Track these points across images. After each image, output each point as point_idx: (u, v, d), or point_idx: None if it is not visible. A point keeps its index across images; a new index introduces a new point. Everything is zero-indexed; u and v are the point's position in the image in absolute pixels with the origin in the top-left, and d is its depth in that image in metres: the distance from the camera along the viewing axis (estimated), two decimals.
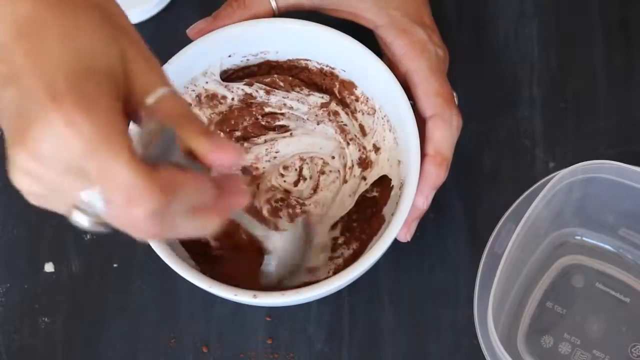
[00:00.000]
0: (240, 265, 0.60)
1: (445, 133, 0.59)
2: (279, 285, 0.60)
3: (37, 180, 0.42)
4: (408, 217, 0.58)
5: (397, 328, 0.64)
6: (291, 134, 0.65)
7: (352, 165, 0.64)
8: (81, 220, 0.43)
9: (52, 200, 0.43)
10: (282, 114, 0.65)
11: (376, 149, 0.64)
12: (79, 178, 0.41)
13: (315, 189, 0.64)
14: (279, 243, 0.59)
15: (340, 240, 0.63)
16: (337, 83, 0.64)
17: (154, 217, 0.41)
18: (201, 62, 0.62)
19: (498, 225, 0.63)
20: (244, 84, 0.64)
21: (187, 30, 0.62)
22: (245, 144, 0.64)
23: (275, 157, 0.64)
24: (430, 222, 0.65)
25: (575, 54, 0.70)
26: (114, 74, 0.42)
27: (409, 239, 0.60)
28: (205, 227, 0.45)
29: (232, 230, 0.60)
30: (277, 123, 0.65)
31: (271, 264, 0.59)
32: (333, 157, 0.64)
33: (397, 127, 0.61)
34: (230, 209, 0.46)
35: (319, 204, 0.63)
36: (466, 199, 0.66)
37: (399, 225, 0.57)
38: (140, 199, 0.41)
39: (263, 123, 0.65)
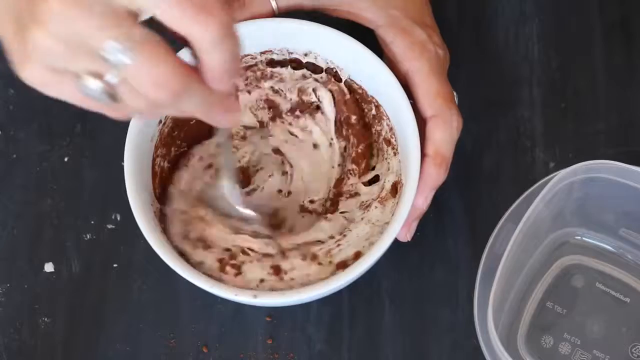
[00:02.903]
0: None
1: (445, 133, 0.59)
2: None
3: (53, 54, 0.42)
4: (408, 217, 0.58)
5: (397, 328, 0.64)
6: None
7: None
8: (93, 86, 0.42)
9: (70, 67, 0.43)
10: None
11: None
12: (106, 26, 0.41)
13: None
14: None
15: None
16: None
17: (175, 77, 0.42)
18: None
19: (498, 225, 0.63)
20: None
21: None
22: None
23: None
24: (430, 222, 0.65)
25: (575, 54, 0.70)
26: None
27: (409, 239, 0.60)
28: (206, 113, 0.46)
29: None
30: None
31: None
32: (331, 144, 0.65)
33: (398, 128, 0.61)
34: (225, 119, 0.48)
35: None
36: (466, 199, 0.66)
37: (399, 225, 0.57)
38: (167, 54, 0.41)
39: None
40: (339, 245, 0.61)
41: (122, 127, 0.59)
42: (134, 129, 0.59)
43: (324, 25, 0.61)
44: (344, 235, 0.61)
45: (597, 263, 0.65)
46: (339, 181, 0.64)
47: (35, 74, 0.44)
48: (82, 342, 0.64)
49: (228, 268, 0.59)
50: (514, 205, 0.63)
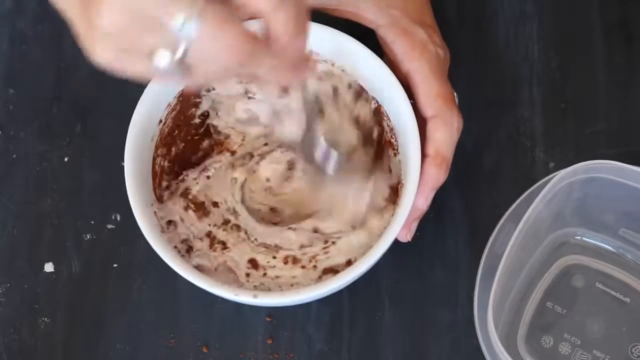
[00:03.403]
0: None
1: (445, 134, 0.59)
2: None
3: (121, 32, 0.42)
4: (408, 217, 0.58)
5: (397, 328, 0.64)
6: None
7: None
8: (164, 60, 0.43)
9: (139, 44, 0.43)
10: None
11: None
12: (172, 1, 0.42)
13: None
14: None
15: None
16: None
17: (243, 40, 0.43)
18: None
19: (498, 225, 0.63)
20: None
21: None
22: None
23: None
24: (430, 222, 0.65)
25: (575, 54, 0.70)
26: None
27: (410, 239, 0.60)
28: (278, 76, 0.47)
29: None
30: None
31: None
32: None
33: (398, 128, 0.61)
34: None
35: None
36: (466, 199, 0.66)
37: (399, 225, 0.57)
38: (232, 21, 0.43)
39: None
40: (326, 252, 0.61)
41: (122, 127, 0.59)
42: (134, 129, 0.59)
43: (324, 25, 0.61)
44: (333, 243, 0.61)
45: (597, 263, 0.65)
46: None
47: (107, 55, 0.44)
48: (82, 342, 0.64)
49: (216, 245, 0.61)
50: (514, 205, 0.63)
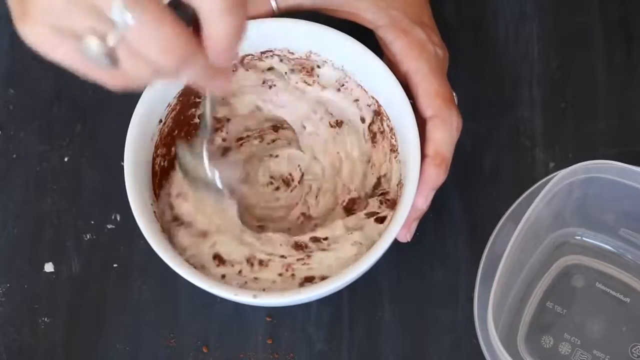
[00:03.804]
0: None
1: (445, 134, 0.59)
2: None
3: (55, 10, 0.41)
4: (408, 217, 0.58)
5: (397, 328, 0.64)
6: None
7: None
8: (94, 47, 0.41)
9: (72, 25, 0.42)
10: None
11: None
12: None
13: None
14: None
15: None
16: None
17: (180, 41, 0.41)
18: None
19: (498, 225, 0.63)
20: None
21: None
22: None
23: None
24: (430, 222, 0.65)
25: (575, 54, 0.70)
26: None
27: (409, 239, 0.60)
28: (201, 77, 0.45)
29: None
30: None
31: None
32: None
33: (398, 128, 0.61)
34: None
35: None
36: (466, 199, 0.66)
37: (398, 225, 0.57)
38: (172, 18, 0.41)
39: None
40: (304, 263, 0.61)
41: (122, 127, 0.59)
42: (134, 129, 0.59)
43: (324, 26, 0.61)
44: (308, 256, 0.61)
45: (597, 263, 0.65)
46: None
47: (36, 33, 0.43)
48: (82, 342, 0.64)
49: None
50: (514, 205, 0.63)
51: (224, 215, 0.62)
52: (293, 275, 0.60)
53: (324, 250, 0.61)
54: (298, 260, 0.60)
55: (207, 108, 0.56)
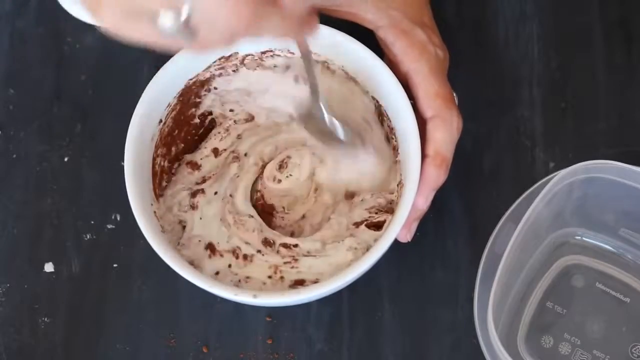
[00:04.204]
0: None
1: (445, 134, 0.59)
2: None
3: None
4: (408, 217, 0.58)
5: (397, 328, 0.64)
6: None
7: None
8: (170, 22, 0.42)
9: (144, 4, 0.42)
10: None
11: None
12: None
13: None
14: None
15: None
16: None
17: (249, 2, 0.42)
18: (202, 61, 0.62)
19: (498, 225, 0.63)
20: None
21: None
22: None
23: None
24: (430, 222, 0.65)
25: (575, 54, 0.70)
26: None
27: (410, 239, 0.60)
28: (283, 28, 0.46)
29: None
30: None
31: None
32: None
33: (398, 128, 0.61)
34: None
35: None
36: (466, 199, 0.66)
37: (399, 225, 0.57)
38: None
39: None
40: (292, 267, 0.61)
41: (122, 127, 0.59)
42: (134, 129, 0.59)
43: (324, 26, 0.61)
44: (295, 259, 0.61)
45: (597, 263, 0.65)
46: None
47: (112, 18, 0.43)
48: (82, 342, 0.64)
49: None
50: (514, 205, 0.63)
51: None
52: (282, 278, 0.60)
53: (313, 256, 0.61)
54: (285, 263, 0.61)
55: (308, 65, 0.56)
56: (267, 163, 0.64)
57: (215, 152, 0.65)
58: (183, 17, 0.42)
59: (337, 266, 0.60)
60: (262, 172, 0.64)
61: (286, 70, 0.64)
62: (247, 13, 0.43)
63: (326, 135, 0.60)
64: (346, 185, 0.63)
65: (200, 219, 0.62)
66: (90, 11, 0.44)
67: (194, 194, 0.63)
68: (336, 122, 0.59)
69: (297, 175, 0.63)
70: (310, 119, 0.60)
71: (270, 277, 0.60)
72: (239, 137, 0.65)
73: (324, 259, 0.60)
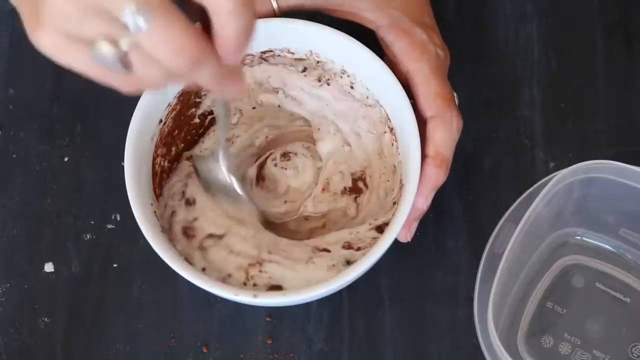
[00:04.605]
0: None
1: (445, 134, 0.59)
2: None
3: (67, 17, 0.41)
4: (408, 217, 0.58)
5: (397, 328, 0.64)
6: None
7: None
8: (107, 52, 0.42)
9: (84, 31, 0.42)
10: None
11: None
12: None
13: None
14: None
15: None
16: None
17: (192, 43, 0.42)
18: None
19: (498, 225, 0.63)
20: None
21: None
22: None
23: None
24: (430, 222, 0.65)
25: (575, 54, 0.70)
26: None
27: (409, 239, 0.60)
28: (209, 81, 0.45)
29: None
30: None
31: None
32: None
33: (398, 128, 0.61)
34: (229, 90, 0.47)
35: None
36: (466, 199, 0.66)
37: (399, 225, 0.57)
38: (183, 21, 0.41)
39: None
40: (260, 270, 0.60)
41: (122, 127, 0.59)
42: (134, 129, 0.59)
43: (324, 26, 0.61)
44: (259, 263, 0.61)
45: (597, 263, 0.65)
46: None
47: (49, 40, 0.43)
48: (82, 342, 0.64)
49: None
50: (514, 205, 0.63)
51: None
52: (255, 285, 0.60)
53: (277, 263, 0.61)
54: (250, 265, 0.60)
55: (221, 111, 0.56)
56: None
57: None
58: (122, 49, 0.42)
59: (307, 278, 0.60)
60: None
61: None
62: (189, 54, 0.42)
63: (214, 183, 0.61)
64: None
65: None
66: (28, 31, 0.43)
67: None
68: (233, 179, 0.60)
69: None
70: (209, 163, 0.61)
71: (245, 283, 0.60)
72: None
73: (288, 269, 0.60)
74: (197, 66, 0.43)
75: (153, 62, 0.42)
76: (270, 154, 0.65)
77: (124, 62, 0.42)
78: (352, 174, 0.64)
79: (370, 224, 0.61)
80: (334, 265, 0.60)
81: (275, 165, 0.65)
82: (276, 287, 0.60)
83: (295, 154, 0.65)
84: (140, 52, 0.42)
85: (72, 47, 0.43)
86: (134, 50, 0.42)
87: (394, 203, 0.61)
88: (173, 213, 0.62)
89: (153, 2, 0.41)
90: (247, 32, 0.44)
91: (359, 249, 0.60)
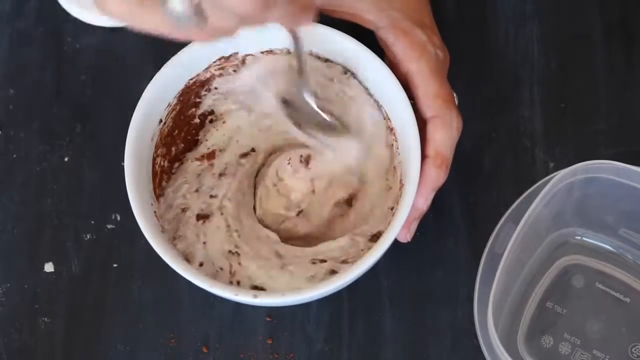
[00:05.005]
0: None
1: (445, 134, 0.59)
2: None
3: None
4: (408, 217, 0.58)
5: (397, 328, 0.64)
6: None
7: None
8: (179, 7, 0.42)
9: None
10: None
11: None
12: None
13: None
14: None
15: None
16: None
17: None
18: (203, 61, 0.62)
19: (498, 225, 0.63)
20: None
21: None
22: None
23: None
24: (430, 222, 0.65)
25: (575, 54, 0.70)
26: None
27: (409, 240, 0.60)
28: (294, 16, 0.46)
29: None
30: None
31: None
32: None
33: (398, 128, 0.61)
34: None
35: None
36: (466, 199, 0.66)
37: (399, 225, 0.57)
38: None
39: None
40: (238, 264, 0.61)
41: (122, 127, 0.59)
42: (134, 129, 0.59)
43: (325, 26, 0.61)
44: (240, 264, 0.61)
45: (597, 263, 0.65)
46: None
47: (120, 7, 0.43)
48: (82, 342, 0.64)
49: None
50: (514, 205, 0.63)
51: None
52: (239, 282, 0.60)
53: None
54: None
55: (301, 51, 0.57)
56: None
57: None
58: (193, 1, 0.42)
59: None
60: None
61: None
62: (258, 1, 0.42)
63: (309, 123, 0.60)
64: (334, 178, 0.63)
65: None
66: (97, 2, 0.43)
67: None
68: (320, 112, 0.60)
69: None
70: (294, 105, 0.60)
71: (231, 282, 0.61)
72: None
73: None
74: (268, 8, 0.43)
75: (224, 9, 0.42)
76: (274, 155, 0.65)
77: (197, 14, 0.42)
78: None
79: (366, 235, 0.61)
80: (312, 277, 0.60)
81: (289, 164, 0.64)
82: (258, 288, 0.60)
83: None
84: (212, 1, 0.42)
85: (144, 8, 0.43)
86: (206, 0, 0.42)
87: (392, 208, 0.61)
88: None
89: None
90: None
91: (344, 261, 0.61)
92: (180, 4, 0.42)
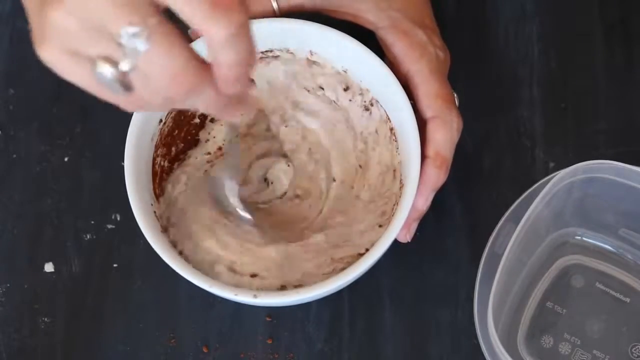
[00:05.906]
0: None
1: (445, 135, 0.59)
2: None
3: (69, 35, 0.42)
4: (408, 217, 0.58)
5: (397, 328, 0.64)
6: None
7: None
8: (107, 72, 0.42)
9: (85, 50, 0.42)
10: None
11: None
12: (124, 10, 0.40)
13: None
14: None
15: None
16: None
17: (189, 72, 0.41)
18: None
19: (498, 225, 0.63)
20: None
21: (189, 30, 0.62)
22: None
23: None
24: (430, 222, 0.65)
25: (575, 54, 0.70)
26: None
27: (409, 240, 0.60)
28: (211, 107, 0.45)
29: None
30: None
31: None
32: None
33: (398, 128, 0.61)
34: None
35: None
36: (466, 199, 0.66)
37: (399, 225, 0.57)
38: (182, 46, 0.41)
39: None
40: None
41: (122, 127, 0.59)
42: (134, 129, 0.59)
43: (325, 26, 0.61)
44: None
45: (597, 263, 0.65)
46: None
47: (52, 55, 0.43)
48: (82, 342, 0.64)
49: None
50: (514, 205, 0.63)
51: None
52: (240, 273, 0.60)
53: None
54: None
55: (226, 139, 0.57)
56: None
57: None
58: (121, 69, 0.42)
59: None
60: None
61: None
62: (186, 81, 0.42)
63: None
64: None
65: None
66: (34, 43, 0.44)
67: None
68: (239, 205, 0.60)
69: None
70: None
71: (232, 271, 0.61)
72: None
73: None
74: (192, 95, 0.43)
75: (151, 87, 0.42)
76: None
77: (125, 83, 0.42)
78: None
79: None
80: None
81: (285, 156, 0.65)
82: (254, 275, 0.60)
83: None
84: (139, 75, 0.42)
85: (74, 64, 0.43)
86: (135, 72, 0.42)
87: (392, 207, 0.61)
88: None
89: (151, 24, 0.40)
90: (244, 63, 0.43)
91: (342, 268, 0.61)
92: (107, 70, 0.42)
